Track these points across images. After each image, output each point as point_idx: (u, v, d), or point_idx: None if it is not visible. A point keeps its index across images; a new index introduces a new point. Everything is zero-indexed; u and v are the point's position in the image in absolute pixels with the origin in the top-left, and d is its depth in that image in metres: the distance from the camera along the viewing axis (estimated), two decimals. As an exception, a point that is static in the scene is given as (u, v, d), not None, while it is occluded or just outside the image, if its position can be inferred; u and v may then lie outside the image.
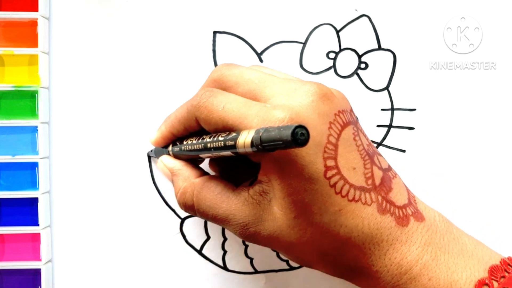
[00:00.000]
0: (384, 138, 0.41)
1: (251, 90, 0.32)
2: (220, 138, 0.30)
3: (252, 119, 0.30)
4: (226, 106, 0.31)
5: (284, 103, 0.30)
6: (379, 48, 0.41)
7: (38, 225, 0.40)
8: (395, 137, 0.41)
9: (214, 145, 0.31)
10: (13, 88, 0.40)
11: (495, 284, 0.30)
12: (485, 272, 0.31)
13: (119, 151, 0.41)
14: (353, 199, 0.30)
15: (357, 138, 0.31)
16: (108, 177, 0.41)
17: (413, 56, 0.41)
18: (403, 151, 0.41)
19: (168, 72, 0.41)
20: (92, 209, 0.41)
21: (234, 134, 0.29)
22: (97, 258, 0.41)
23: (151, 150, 0.40)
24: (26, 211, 0.40)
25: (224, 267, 0.42)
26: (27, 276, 0.40)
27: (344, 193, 0.30)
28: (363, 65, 0.41)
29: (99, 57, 0.41)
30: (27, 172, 0.40)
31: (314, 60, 0.41)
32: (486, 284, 0.30)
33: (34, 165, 0.40)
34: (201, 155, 0.34)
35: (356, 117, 0.33)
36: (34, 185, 0.40)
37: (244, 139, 0.28)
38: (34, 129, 0.40)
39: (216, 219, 0.33)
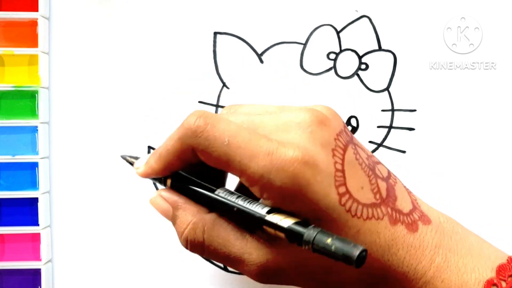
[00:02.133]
0: (384, 139, 0.41)
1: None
2: (276, 221, 0.29)
3: (263, 158, 0.29)
4: (231, 141, 0.29)
5: (288, 139, 0.29)
6: (380, 48, 0.41)
7: (38, 225, 0.40)
8: (396, 138, 0.41)
9: (243, 208, 0.30)
10: (13, 88, 0.40)
11: (503, 284, 0.31)
12: (493, 271, 0.31)
13: (119, 151, 0.41)
14: (367, 217, 0.30)
15: (358, 156, 0.31)
16: (108, 177, 0.41)
17: (413, 56, 0.41)
18: (404, 152, 0.41)
19: (168, 73, 0.41)
20: (92, 209, 0.41)
21: (268, 213, 0.29)
22: (97, 258, 0.41)
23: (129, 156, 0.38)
24: (26, 211, 0.40)
25: (224, 268, 0.42)
26: (27, 276, 0.40)
27: (359, 214, 0.30)
28: (363, 66, 0.41)
29: (99, 57, 0.41)
30: (27, 172, 0.40)
31: (314, 61, 0.41)
32: (495, 284, 0.31)
33: (34, 165, 0.40)
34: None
35: (350, 132, 0.33)
36: (34, 185, 0.40)
37: (289, 224, 0.28)
38: (34, 129, 0.40)
39: (228, 259, 0.31)
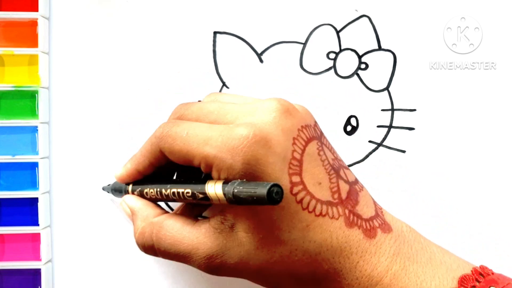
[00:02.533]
0: (384, 139, 0.41)
1: (212, 121, 0.32)
2: (187, 191, 0.31)
3: (217, 139, 0.29)
4: (189, 132, 0.31)
5: (247, 121, 0.30)
6: (379, 48, 0.41)
7: (38, 225, 0.40)
8: (395, 138, 0.41)
9: (180, 196, 0.32)
10: (13, 88, 0.40)
11: None
12: (454, 281, 0.31)
13: (119, 151, 0.41)
14: (320, 213, 0.30)
15: (321, 153, 0.31)
16: (108, 177, 0.41)
17: (413, 56, 0.41)
18: (404, 151, 0.41)
19: (168, 73, 0.41)
20: (92, 209, 0.41)
21: (199, 185, 0.30)
22: (97, 258, 0.41)
23: (108, 185, 0.40)
24: (26, 211, 0.40)
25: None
26: (27, 276, 0.40)
27: (311, 208, 0.30)
28: (363, 66, 0.41)
29: (99, 57, 0.41)
30: (27, 172, 0.40)
31: (314, 61, 0.41)
32: None
33: (34, 165, 0.40)
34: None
35: (321, 131, 0.33)
36: (34, 185, 0.40)
37: (214, 191, 0.29)
38: (34, 129, 0.40)
39: (178, 257, 0.32)
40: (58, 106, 0.41)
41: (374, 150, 0.41)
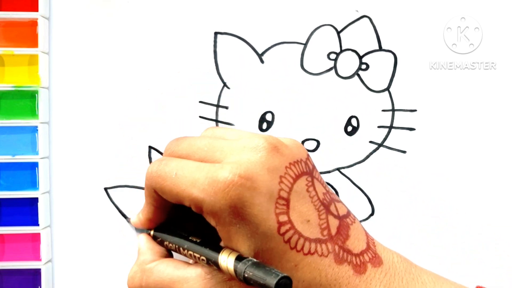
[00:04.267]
0: (384, 139, 0.41)
1: (202, 158, 0.32)
2: (202, 258, 0.31)
3: (203, 182, 0.29)
4: (178, 173, 0.31)
5: (233, 161, 0.30)
6: (380, 49, 0.41)
7: (38, 225, 0.40)
8: (396, 138, 0.41)
9: (196, 260, 0.32)
10: (13, 88, 0.40)
11: None
12: None
13: (119, 151, 0.41)
14: (309, 252, 0.30)
15: (310, 189, 0.31)
16: (108, 177, 0.41)
17: (413, 56, 0.41)
18: (404, 152, 0.41)
19: (169, 73, 0.41)
20: (92, 209, 0.41)
21: (213, 253, 0.30)
22: (97, 258, 0.41)
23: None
24: (26, 211, 0.40)
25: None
26: (27, 276, 0.40)
27: (299, 247, 0.29)
28: (363, 66, 0.41)
29: (99, 57, 0.41)
30: (27, 172, 0.40)
31: (315, 61, 0.41)
32: None
33: (34, 165, 0.40)
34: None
35: (313, 165, 0.32)
36: (34, 185, 0.40)
37: (226, 265, 0.29)
38: (34, 129, 0.40)
39: None
40: (58, 106, 0.41)
41: (374, 151, 0.41)
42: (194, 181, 0.30)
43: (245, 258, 0.28)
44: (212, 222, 0.30)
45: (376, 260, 0.32)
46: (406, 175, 0.41)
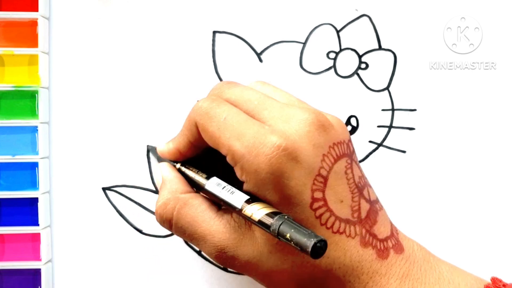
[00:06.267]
0: (384, 139, 0.41)
1: (249, 110, 0.32)
2: (235, 204, 0.30)
3: (249, 140, 0.29)
4: (228, 118, 0.31)
5: (281, 129, 0.30)
6: (380, 48, 0.41)
7: (38, 225, 0.40)
8: (396, 138, 0.41)
9: (223, 199, 0.31)
10: (13, 88, 0.40)
11: None
12: None
13: (119, 151, 0.41)
14: (338, 231, 0.30)
15: (348, 171, 0.31)
16: (108, 177, 0.41)
17: (413, 56, 0.41)
18: (404, 151, 0.41)
19: (168, 72, 0.41)
20: (92, 209, 0.41)
21: (246, 203, 0.29)
22: (97, 258, 0.41)
23: (154, 146, 0.40)
24: (26, 211, 0.40)
25: (224, 268, 0.42)
26: (27, 276, 0.40)
27: (329, 224, 0.30)
28: (363, 65, 0.41)
29: (99, 57, 0.41)
30: (27, 172, 0.40)
31: (314, 60, 0.41)
32: None
33: (34, 165, 0.40)
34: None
35: (353, 148, 0.33)
36: (34, 185, 0.40)
37: (258, 217, 0.28)
38: (34, 129, 0.40)
39: (193, 238, 0.32)
40: (58, 106, 0.41)
41: (374, 150, 0.41)
42: (241, 135, 0.30)
43: (279, 213, 0.28)
44: (242, 178, 0.30)
45: (398, 247, 0.32)
46: (406, 175, 0.41)
